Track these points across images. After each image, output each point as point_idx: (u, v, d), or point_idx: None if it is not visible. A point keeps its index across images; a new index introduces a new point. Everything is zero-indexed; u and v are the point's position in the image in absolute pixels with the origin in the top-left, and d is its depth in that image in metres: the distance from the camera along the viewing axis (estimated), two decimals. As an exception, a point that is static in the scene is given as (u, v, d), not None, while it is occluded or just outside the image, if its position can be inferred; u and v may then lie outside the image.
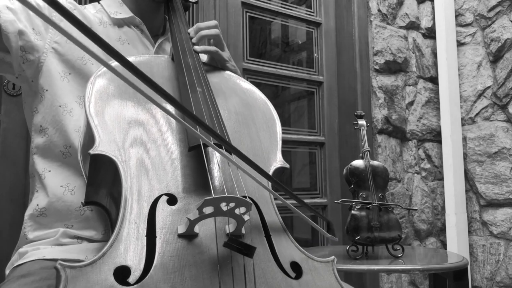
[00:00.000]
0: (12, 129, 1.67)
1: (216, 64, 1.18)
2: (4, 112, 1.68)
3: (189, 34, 1.15)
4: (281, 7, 2.63)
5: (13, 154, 1.67)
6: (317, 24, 2.72)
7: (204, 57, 1.25)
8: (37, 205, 1.02)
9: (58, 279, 0.61)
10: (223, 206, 0.68)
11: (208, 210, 0.67)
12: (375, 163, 1.74)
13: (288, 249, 0.80)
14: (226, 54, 1.19)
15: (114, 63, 0.86)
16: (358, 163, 1.72)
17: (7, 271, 1.01)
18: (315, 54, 2.71)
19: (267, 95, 1.11)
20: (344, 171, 1.73)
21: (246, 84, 1.12)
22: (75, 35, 0.50)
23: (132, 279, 0.64)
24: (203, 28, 1.16)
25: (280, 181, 0.92)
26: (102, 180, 0.84)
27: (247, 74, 2.38)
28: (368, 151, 1.77)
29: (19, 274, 0.89)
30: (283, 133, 1.03)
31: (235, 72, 1.19)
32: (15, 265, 0.98)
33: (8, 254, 1.06)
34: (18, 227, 1.06)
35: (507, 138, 2.74)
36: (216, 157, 0.86)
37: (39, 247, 0.98)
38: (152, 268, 0.65)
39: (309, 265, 0.78)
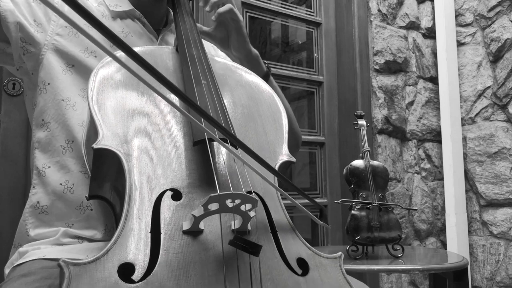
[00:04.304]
0: (12, 129, 1.67)
1: (223, 29, 1.19)
2: (4, 112, 1.67)
3: (193, 20, 1.16)
4: (281, 7, 2.63)
5: (13, 154, 1.66)
6: (317, 24, 2.73)
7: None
8: (38, 202, 1.01)
9: (61, 276, 0.60)
10: (229, 203, 0.67)
11: (213, 206, 0.67)
12: (375, 163, 1.74)
13: (295, 245, 0.78)
14: (241, 17, 1.21)
15: (119, 53, 0.85)
16: (358, 163, 1.72)
17: (6, 271, 1.00)
18: (315, 54, 2.71)
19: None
20: (344, 171, 1.73)
21: (252, 76, 1.10)
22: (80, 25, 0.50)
23: (136, 276, 0.63)
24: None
25: (285, 175, 0.91)
26: (106, 174, 0.83)
27: (247, 74, 2.38)
28: (368, 151, 1.77)
29: (20, 274, 0.87)
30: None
31: (246, 36, 1.21)
32: (15, 264, 0.97)
33: (8, 254, 1.06)
34: (19, 224, 1.05)
35: (507, 138, 2.75)
36: (221, 152, 0.85)
37: (39, 246, 0.97)
38: (156, 265, 0.64)
39: (316, 261, 0.77)
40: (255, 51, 1.24)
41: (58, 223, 0.99)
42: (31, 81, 1.07)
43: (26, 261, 0.94)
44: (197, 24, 1.18)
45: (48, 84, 1.03)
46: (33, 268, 0.89)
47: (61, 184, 1.00)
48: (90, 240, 0.99)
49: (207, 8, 1.16)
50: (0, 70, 1.68)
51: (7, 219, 1.61)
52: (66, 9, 1.00)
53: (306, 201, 0.84)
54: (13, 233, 1.06)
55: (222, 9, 1.16)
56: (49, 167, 1.02)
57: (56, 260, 0.91)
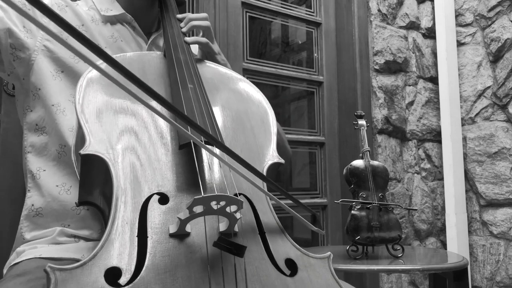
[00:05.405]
0: (12, 129, 1.67)
1: (206, 57, 1.18)
2: (4, 112, 1.68)
3: (180, 23, 1.16)
4: (281, 7, 2.63)
5: (13, 154, 1.66)
6: (317, 24, 2.72)
7: (195, 51, 1.25)
8: (32, 205, 1.02)
9: (48, 282, 0.60)
10: (213, 205, 0.68)
11: (198, 209, 0.67)
12: (375, 163, 1.73)
13: (283, 246, 0.78)
14: (216, 47, 1.20)
15: (103, 65, 0.85)
16: (358, 163, 1.72)
17: (4, 270, 1.02)
18: (315, 54, 2.71)
19: (267, 95, 1.10)
20: (344, 171, 1.73)
21: (240, 80, 1.11)
22: (64, 35, 0.50)
23: (123, 280, 0.63)
24: (193, 18, 1.17)
25: (278, 179, 0.91)
26: (94, 180, 0.84)
27: (247, 74, 2.38)
28: (368, 151, 1.77)
29: (15, 273, 0.88)
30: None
31: (224, 66, 1.19)
32: (12, 263, 0.98)
33: (8, 254, 1.06)
34: (18, 227, 1.06)
35: (507, 138, 2.74)
36: (207, 155, 0.85)
37: (36, 246, 0.98)
38: (143, 269, 0.65)
39: (305, 261, 0.77)
40: None
41: (53, 224, 1.00)
42: (22, 86, 1.07)
43: (22, 260, 0.95)
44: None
45: (39, 89, 1.05)
46: (28, 267, 0.90)
47: (57, 185, 1.01)
48: (87, 239, 1.00)
49: (184, 29, 1.15)
50: None
51: (7, 219, 1.61)
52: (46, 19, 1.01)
53: (305, 200, 0.84)
54: (12, 233, 1.07)
55: (200, 40, 1.16)
56: (44, 170, 1.03)
57: (52, 259, 0.92)
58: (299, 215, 0.88)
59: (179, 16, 1.18)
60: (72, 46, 0.49)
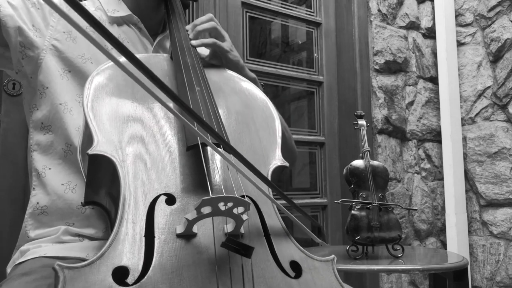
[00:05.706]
0: (12, 129, 1.67)
1: (219, 57, 1.17)
2: (4, 112, 1.68)
3: (187, 32, 1.15)
4: (281, 7, 2.64)
5: (13, 154, 1.66)
6: (317, 24, 2.73)
7: (206, 52, 1.24)
8: (37, 203, 1.02)
9: (56, 280, 0.61)
10: (221, 206, 0.68)
11: (206, 210, 0.67)
12: (375, 163, 1.73)
13: (288, 248, 0.79)
14: (226, 45, 1.17)
15: (122, 59, 0.85)
16: (358, 163, 1.72)
17: (8, 270, 1.01)
18: (315, 54, 2.71)
19: (267, 95, 1.11)
20: (344, 171, 1.73)
21: (245, 83, 1.12)
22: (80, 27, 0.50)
23: (130, 279, 0.64)
24: (198, 23, 1.16)
25: (279, 179, 0.91)
26: (101, 180, 0.84)
27: (247, 74, 2.38)
28: (368, 151, 1.77)
29: (20, 272, 0.88)
30: (283, 133, 1.02)
31: (237, 62, 1.17)
32: (16, 262, 0.98)
33: (8, 254, 1.06)
34: (18, 227, 1.06)
35: (507, 138, 2.75)
36: (215, 157, 0.86)
37: (40, 244, 0.98)
38: (150, 269, 0.65)
39: (309, 264, 0.77)
40: (251, 75, 1.23)
41: (58, 222, 1.00)
42: (30, 84, 1.08)
43: (27, 260, 0.95)
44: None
45: (47, 88, 1.05)
46: (34, 266, 0.90)
47: (62, 184, 1.01)
48: (91, 238, 1.00)
49: (191, 36, 1.14)
50: (0, 71, 1.69)
51: (7, 219, 1.61)
52: (66, 10, 1.01)
53: (305, 200, 0.84)
54: (13, 233, 1.07)
55: (205, 41, 1.15)
56: (49, 168, 1.03)
57: (57, 258, 0.92)
58: (301, 222, 0.88)
59: (187, 27, 1.17)
60: (92, 36, 0.49)
